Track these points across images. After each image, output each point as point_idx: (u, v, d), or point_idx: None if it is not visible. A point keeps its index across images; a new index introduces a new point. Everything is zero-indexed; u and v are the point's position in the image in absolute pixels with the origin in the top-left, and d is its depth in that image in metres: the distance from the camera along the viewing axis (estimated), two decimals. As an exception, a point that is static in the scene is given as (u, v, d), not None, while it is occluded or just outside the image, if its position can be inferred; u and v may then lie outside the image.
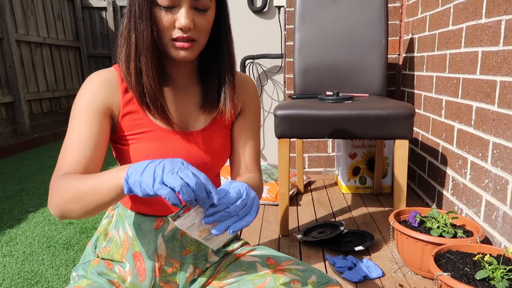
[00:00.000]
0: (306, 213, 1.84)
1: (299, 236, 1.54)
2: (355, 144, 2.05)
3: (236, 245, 1.09)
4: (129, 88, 0.85)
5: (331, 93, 1.66)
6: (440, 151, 1.72)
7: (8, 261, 1.72)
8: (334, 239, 1.49)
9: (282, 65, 2.60)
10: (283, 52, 2.55)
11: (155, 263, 0.95)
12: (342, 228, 1.52)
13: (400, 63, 2.30)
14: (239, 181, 0.71)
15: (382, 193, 2.07)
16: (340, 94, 1.65)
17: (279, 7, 2.49)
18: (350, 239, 1.51)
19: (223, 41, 0.89)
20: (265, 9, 2.56)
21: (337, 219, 1.77)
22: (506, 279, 0.95)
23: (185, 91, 0.92)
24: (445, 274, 0.97)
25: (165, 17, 0.78)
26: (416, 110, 2.03)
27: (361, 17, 1.88)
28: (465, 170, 1.48)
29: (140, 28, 0.78)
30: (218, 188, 0.67)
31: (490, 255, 1.05)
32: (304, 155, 2.43)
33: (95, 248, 1.04)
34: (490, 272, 0.96)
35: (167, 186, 0.61)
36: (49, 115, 5.49)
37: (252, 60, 2.63)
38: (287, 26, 2.32)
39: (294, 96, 1.83)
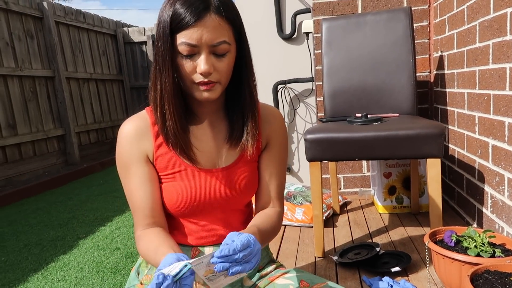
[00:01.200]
0: (342, 234, 1.85)
1: (335, 258, 1.56)
2: (389, 164, 2.05)
3: (270, 268, 1.13)
4: (159, 130, 0.93)
5: (360, 115, 1.69)
6: (476, 168, 1.69)
7: (62, 285, 1.85)
8: (371, 260, 1.50)
9: (313, 88, 2.66)
10: (313, 76, 2.61)
11: (194, 288, 1.01)
12: (378, 249, 1.52)
13: (432, 80, 2.29)
14: (247, 233, 0.77)
15: (420, 212, 2.04)
16: (369, 116, 1.68)
17: (307, 33, 2.57)
18: (386, 260, 1.50)
19: (244, 81, 0.94)
20: (294, 36, 2.64)
21: (373, 239, 1.76)
22: (546, 299, 0.93)
23: (212, 128, 0.98)
24: (480, 294, 0.96)
25: (186, 64, 0.84)
26: (450, 127, 2.01)
27: (387, 39, 1.92)
28: (503, 187, 1.45)
29: (163, 77, 0.86)
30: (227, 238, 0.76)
31: (529, 274, 1.03)
32: (339, 175, 2.44)
33: (138, 274, 1.13)
34: (528, 292, 0.94)
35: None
36: (96, 145, 5.82)
37: (284, 85, 2.71)
38: (315, 51, 2.38)
39: (324, 120, 1.87)
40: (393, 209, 2.08)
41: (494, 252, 1.19)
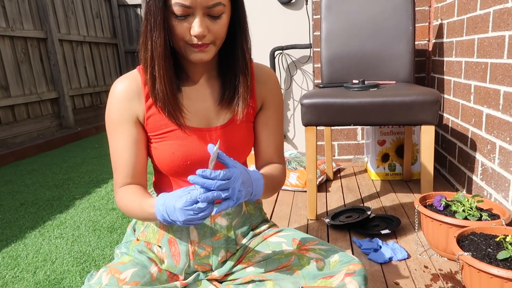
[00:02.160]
0: (335, 199, 1.89)
1: (327, 220, 1.60)
2: (383, 131, 2.07)
3: (263, 227, 1.16)
4: (149, 92, 0.92)
5: (357, 81, 1.69)
6: (469, 136, 1.71)
7: (59, 242, 1.89)
8: (361, 223, 1.54)
9: (311, 55, 2.63)
10: (311, 42, 2.58)
11: (189, 248, 1.04)
12: (369, 213, 1.56)
13: (430, 49, 2.28)
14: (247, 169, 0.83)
15: (412, 180, 2.08)
16: (366, 82, 1.68)
17: (307, -2, 2.51)
18: (377, 223, 1.55)
19: (237, 42, 0.92)
20: (293, 0, 2.59)
21: (365, 204, 1.80)
22: (527, 259, 0.97)
23: (204, 88, 0.97)
24: (466, 253, 1.00)
25: (179, 25, 0.82)
26: (446, 96, 2.02)
27: (387, 5, 1.89)
28: (494, 155, 1.48)
29: (154, 37, 0.84)
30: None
31: (514, 236, 1.07)
32: (333, 142, 2.46)
33: (134, 231, 1.15)
34: (512, 252, 0.99)
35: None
36: (90, 110, 5.78)
37: (281, 51, 2.68)
38: (314, 17, 2.35)
39: (321, 85, 1.87)
40: (386, 176, 2.11)
41: (481, 216, 1.23)
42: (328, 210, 1.77)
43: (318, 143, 2.47)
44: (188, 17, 0.82)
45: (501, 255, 1.00)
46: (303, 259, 1.02)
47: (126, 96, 0.93)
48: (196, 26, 0.82)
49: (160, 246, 1.06)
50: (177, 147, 0.95)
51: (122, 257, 1.06)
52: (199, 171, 0.75)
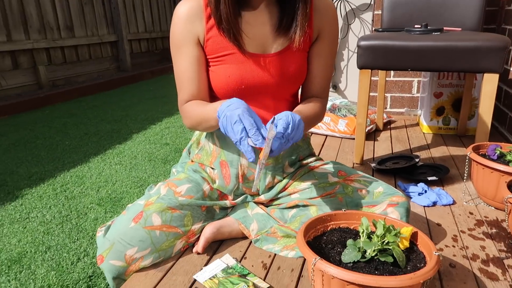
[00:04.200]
0: (382, 148, 1.88)
1: (373, 165, 1.61)
2: (441, 83, 1.99)
3: (310, 159, 1.20)
4: (211, 13, 0.96)
5: (420, 26, 1.62)
6: (536, 90, 1.61)
7: (119, 168, 2.05)
8: (408, 169, 1.54)
9: (371, 2, 2.52)
10: (373, -12, 2.46)
11: (239, 171, 1.11)
12: (417, 160, 1.55)
13: (505, -3, 2.10)
14: (283, 113, 0.83)
15: (466, 135, 2.01)
16: (428, 27, 1.60)
17: None
18: (424, 170, 1.54)
19: None
20: None
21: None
22: None
23: (263, 14, 0.99)
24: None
25: None
26: (516, 49, 1.88)
27: None
28: (562, 109, 1.39)
29: None
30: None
31: None
32: (386, 94, 2.41)
33: (189, 153, 1.23)
34: None
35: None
36: (146, 55, 5.95)
37: (330, 1, 2.59)
38: (379, -42, 2.22)
39: (380, 29, 1.81)
40: (439, 129, 2.05)
41: (537, 166, 1.18)
42: (374, 156, 1.77)
43: (371, 94, 2.42)
44: None
45: (554, 202, 0.97)
46: (348, 188, 1.06)
47: (188, 17, 0.97)
48: None
49: (212, 168, 1.14)
50: (233, 71, 0.99)
51: (178, 174, 1.15)
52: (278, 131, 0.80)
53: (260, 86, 1.02)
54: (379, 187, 1.05)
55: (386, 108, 2.43)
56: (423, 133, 2.08)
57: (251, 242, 1.10)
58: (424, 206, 1.29)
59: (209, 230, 1.07)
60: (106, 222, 1.44)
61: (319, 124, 2.07)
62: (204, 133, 1.16)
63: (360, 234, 0.81)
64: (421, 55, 1.44)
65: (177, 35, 0.99)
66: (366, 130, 1.95)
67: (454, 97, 1.99)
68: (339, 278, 0.69)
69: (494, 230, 1.14)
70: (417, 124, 2.24)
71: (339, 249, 0.81)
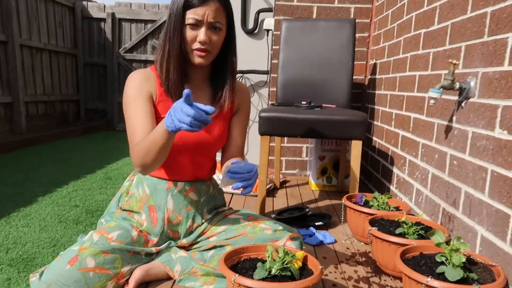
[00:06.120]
0: (280, 202, 2.21)
1: (273, 215, 1.91)
2: (324, 148, 2.45)
3: (224, 208, 1.46)
4: (162, 83, 1.23)
5: (305, 102, 2.06)
6: (389, 154, 2.13)
7: (27, 230, 2.03)
8: (301, 218, 1.86)
9: (268, 80, 3.00)
10: (268, 69, 2.95)
11: (165, 214, 1.30)
12: (307, 210, 1.89)
13: (366, 83, 2.73)
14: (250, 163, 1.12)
15: (344, 191, 2.46)
16: (312, 103, 2.04)
17: (267, 30, 2.91)
18: (313, 218, 1.88)
19: (229, 55, 1.28)
20: (256, 31, 2.97)
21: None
22: (416, 234, 1.33)
23: (199, 89, 1.30)
24: (374, 228, 1.35)
25: (190, 34, 1.17)
26: (375, 123, 2.45)
27: (334, 43, 2.31)
28: (404, 167, 1.89)
29: (173, 41, 1.17)
30: (237, 161, 1.11)
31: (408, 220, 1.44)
32: (281, 158, 2.81)
33: (118, 202, 1.39)
34: (407, 229, 1.35)
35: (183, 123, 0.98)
36: (44, 118, 5.75)
37: (241, 75, 3.03)
38: (273, 47, 2.73)
39: (276, 104, 2.22)
40: (324, 187, 2.48)
41: (389, 208, 1.60)
42: (274, 209, 2.08)
43: (269, 158, 2.80)
44: (197, 27, 1.16)
45: (398, 230, 1.36)
46: (256, 228, 1.32)
47: (143, 79, 1.23)
48: (202, 35, 1.16)
49: (140, 213, 1.31)
50: None
51: (108, 223, 1.30)
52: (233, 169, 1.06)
53: (193, 143, 1.27)
54: (280, 226, 1.33)
55: (282, 170, 2.82)
56: (312, 190, 2.49)
57: (174, 281, 1.27)
58: (313, 245, 1.60)
59: (138, 272, 1.22)
60: (20, 282, 1.47)
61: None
62: (135, 183, 1.35)
63: (267, 257, 1.06)
64: (307, 125, 1.84)
65: (133, 91, 1.21)
66: (266, 188, 2.27)
67: (334, 160, 2.46)
68: (253, 289, 0.93)
69: (363, 259, 1.49)
70: (307, 183, 2.65)
71: (251, 273, 1.05)
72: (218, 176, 1.99)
